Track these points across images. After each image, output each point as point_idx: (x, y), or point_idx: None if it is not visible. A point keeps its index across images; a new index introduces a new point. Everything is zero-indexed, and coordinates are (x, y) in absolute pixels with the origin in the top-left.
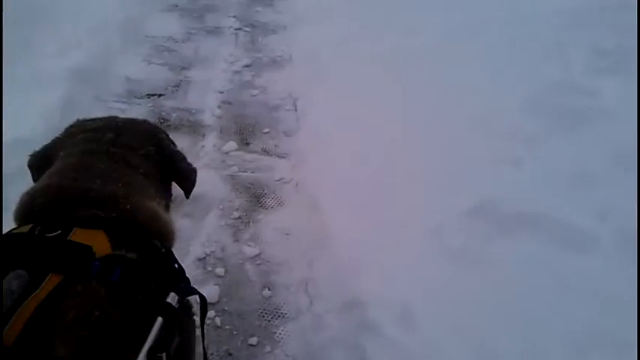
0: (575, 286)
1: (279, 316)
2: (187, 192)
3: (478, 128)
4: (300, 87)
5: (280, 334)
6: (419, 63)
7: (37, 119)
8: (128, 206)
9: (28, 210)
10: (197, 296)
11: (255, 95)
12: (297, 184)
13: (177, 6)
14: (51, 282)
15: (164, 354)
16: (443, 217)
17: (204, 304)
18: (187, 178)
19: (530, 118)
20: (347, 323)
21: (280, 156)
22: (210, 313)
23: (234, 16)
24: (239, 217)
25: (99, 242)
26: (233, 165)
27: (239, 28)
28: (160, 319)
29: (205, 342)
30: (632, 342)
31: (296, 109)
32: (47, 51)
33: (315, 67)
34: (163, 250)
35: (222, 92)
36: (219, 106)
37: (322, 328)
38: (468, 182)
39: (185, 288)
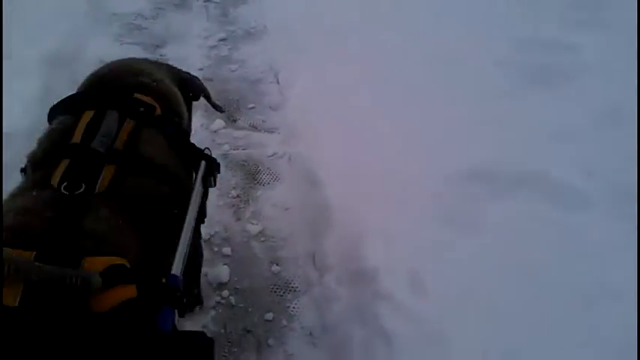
0: (575, 242)
1: (290, 290)
2: (207, 98)
3: (458, 90)
4: (280, 59)
5: (294, 307)
6: (394, 27)
7: (18, 112)
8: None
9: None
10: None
11: (234, 70)
12: (290, 158)
13: None
14: (130, 123)
15: (211, 178)
16: (438, 182)
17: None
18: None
19: (509, 77)
20: (358, 293)
21: (269, 131)
22: (224, 292)
23: None
24: (237, 196)
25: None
26: (224, 143)
27: (208, 0)
28: (203, 162)
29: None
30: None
31: (278, 82)
32: (15, 40)
33: (291, 37)
34: None
35: (201, 69)
36: None
37: (335, 300)
38: (458, 145)
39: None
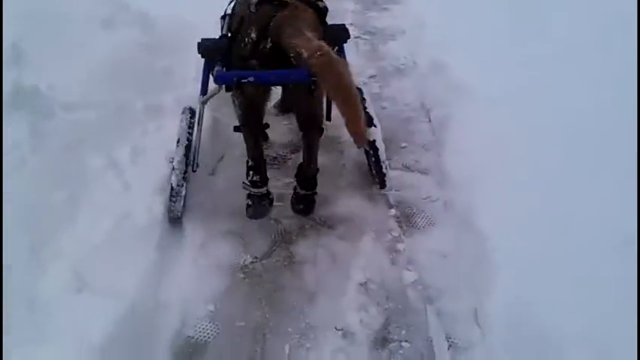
0: None
1: (450, 345)
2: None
3: None
4: (431, 96)
5: None
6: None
7: None
8: None
9: None
10: None
11: (385, 108)
12: (445, 203)
13: None
14: None
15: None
16: (607, 244)
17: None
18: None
19: None
20: None
21: (422, 172)
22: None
23: (352, 24)
24: (392, 239)
25: None
26: (378, 183)
27: (358, 37)
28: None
29: None
30: None
31: (430, 120)
32: None
33: (443, 74)
34: None
35: None
36: None
37: None
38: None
39: None
